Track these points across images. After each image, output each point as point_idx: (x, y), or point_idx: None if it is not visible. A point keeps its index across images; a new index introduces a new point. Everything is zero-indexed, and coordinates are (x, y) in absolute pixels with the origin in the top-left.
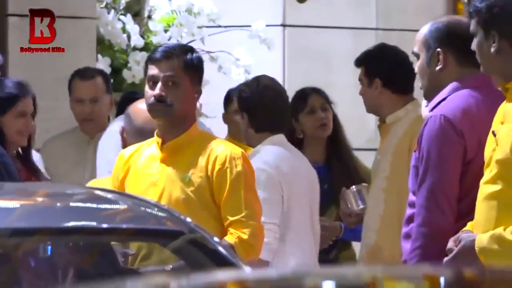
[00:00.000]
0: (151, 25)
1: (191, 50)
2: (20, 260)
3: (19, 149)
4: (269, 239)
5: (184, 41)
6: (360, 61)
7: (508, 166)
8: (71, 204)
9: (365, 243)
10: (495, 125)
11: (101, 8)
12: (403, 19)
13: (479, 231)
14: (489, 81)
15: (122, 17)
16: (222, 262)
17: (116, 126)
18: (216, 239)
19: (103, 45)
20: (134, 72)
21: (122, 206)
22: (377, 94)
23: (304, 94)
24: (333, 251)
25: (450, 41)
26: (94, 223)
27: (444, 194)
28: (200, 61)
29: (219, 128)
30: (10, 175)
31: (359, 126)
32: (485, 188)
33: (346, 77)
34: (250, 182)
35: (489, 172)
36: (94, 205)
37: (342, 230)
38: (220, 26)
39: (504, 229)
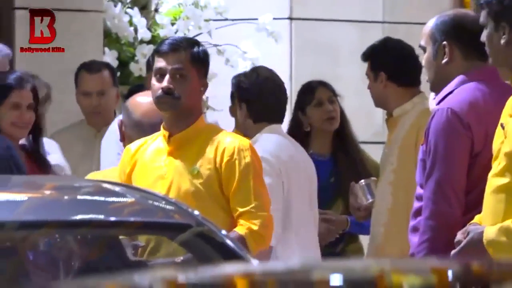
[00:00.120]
0: (158, 18)
1: (197, 43)
2: (27, 253)
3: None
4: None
5: (191, 34)
6: (366, 56)
7: None
8: (79, 197)
9: (373, 237)
10: (504, 118)
11: (108, 1)
12: (410, 12)
13: (487, 224)
14: (496, 74)
15: (129, 10)
16: (229, 255)
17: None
18: (223, 232)
19: (110, 38)
20: (141, 65)
21: (129, 199)
22: (383, 88)
23: (311, 87)
24: (340, 244)
25: (456, 34)
26: (101, 216)
27: (452, 187)
28: (206, 54)
29: (226, 121)
30: (18, 168)
31: (365, 119)
32: (493, 181)
33: (353, 70)
34: (258, 173)
35: (497, 164)
36: (102, 198)
37: (348, 224)
38: (227, 19)
39: None
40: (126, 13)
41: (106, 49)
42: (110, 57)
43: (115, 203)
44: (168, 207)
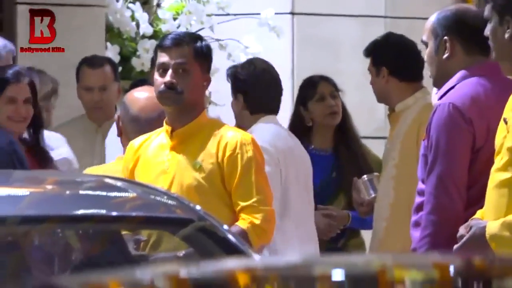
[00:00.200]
0: (160, 13)
1: (200, 38)
2: (29, 247)
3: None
4: None
5: (193, 29)
6: (368, 51)
7: None
8: (81, 192)
9: (376, 231)
10: (507, 113)
11: None
12: (412, 7)
13: (490, 218)
14: (497, 69)
15: (131, 5)
16: (231, 249)
17: None
18: (225, 226)
19: (112, 33)
20: (143, 60)
21: (131, 194)
22: (385, 83)
23: (313, 82)
24: (342, 239)
25: (458, 29)
26: (103, 211)
27: (453, 182)
28: (209, 49)
29: (229, 116)
30: (21, 163)
31: (367, 114)
32: (496, 176)
33: (355, 65)
34: (260, 168)
35: (500, 159)
36: (104, 193)
37: (350, 219)
38: (229, 14)
39: None
40: (128, 8)
41: (108, 44)
42: (112, 52)
43: (117, 198)
44: (170, 202)
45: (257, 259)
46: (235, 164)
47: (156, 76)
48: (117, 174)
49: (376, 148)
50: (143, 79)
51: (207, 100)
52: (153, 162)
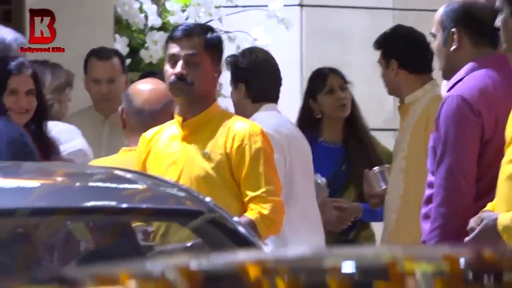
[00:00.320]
0: (169, 5)
1: (211, 29)
2: (39, 239)
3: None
4: None
5: (201, 21)
6: (379, 44)
7: None
8: (91, 184)
9: (386, 223)
10: None
11: None
12: None
13: (501, 210)
14: (506, 61)
15: None
16: (241, 241)
17: None
18: (235, 218)
19: (121, 25)
20: (152, 52)
21: (141, 186)
22: (394, 75)
23: (323, 74)
24: (353, 231)
25: (465, 21)
26: (113, 203)
27: (462, 174)
28: (220, 41)
29: None
30: (31, 155)
31: (376, 106)
32: (507, 168)
33: (364, 57)
34: (269, 158)
35: (511, 151)
36: (114, 185)
37: (361, 211)
38: (237, 6)
39: None
40: (136, 0)
41: (117, 35)
42: (121, 44)
43: (126, 190)
44: (179, 193)
45: (267, 251)
46: (243, 155)
47: (167, 67)
48: (121, 166)
49: (385, 140)
50: (152, 71)
51: (217, 92)
52: (164, 153)
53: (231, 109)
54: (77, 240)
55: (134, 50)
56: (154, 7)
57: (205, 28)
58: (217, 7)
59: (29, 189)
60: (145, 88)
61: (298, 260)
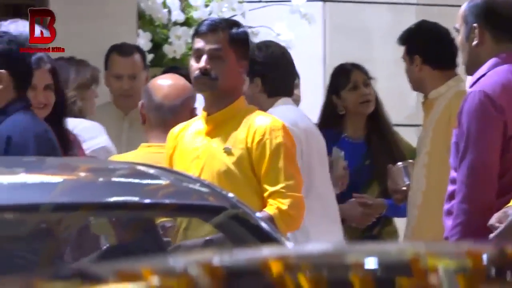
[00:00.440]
0: (192, 0)
1: (237, 24)
2: (62, 235)
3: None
4: None
5: (224, 16)
6: (403, 39)
7: None
8: (114, 179)
9: (409, 219)
10: None
11: None
12: None
13: None
14: None
15: None
16: (264, 237)
17: None
18: (258, 214)
19: (144, 20)
20: (175, 47)
21: (164, 181)
22: (418, 71)
23: (346, 70)
24: (377, 227)
25: (487, 17)
26: (136, 198)
27: (485, 170)
28: (246, 36)
29: None
30: (54, 150)
31: (399, 102)
32: None
33: (386, 52)
34: (290, 154)
35: None
36: (137, 180)
37: (386, 207)
38: (260, 1)
39: None
40: None
41: (140, 31)
42: (144, 39)
43: (150, 185)
44: (202, 189)
45: (290, 247)
46: (263, 150)
47: (192, 62)
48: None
49: (408, 136)
50: (175, 67)
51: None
52: (188, 148)
53: None
54: (100, 236)
55: (157, 45)
56: (177, 2)
57: (231, 23)
58: (240, 2)
59: (53, 184)
60: (164, 84)
61: (321, 256)
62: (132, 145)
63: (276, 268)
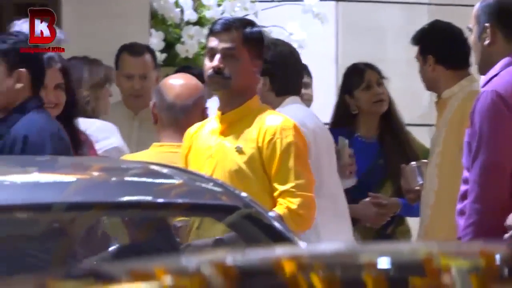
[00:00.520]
0: None
1: (251, 23)
2: (75, 234)
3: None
4: None
5: (237, 16)
6: (416, 39)
7: None
8: (127, 178)
9: (422, 218)
10: None
11: None
12: None
13: None
14: None
15: None
16: (277, 237)
17: None
18: (271, 213)
19: (157, 20)
20: (188, 46)
21: (177, 181)
22: (431, 71)
23: (359, 70)
24: (391, 226)
25: (499, 16)
26: (149, 198)
27: (497, 169)
28: (260, 35)
29: None
30: (67, 149)
31: (411, 102)
32: None
33: (399, 52)
34: (301, 153)
35: None
36: (150, 180)
37: (400, 206)
38: (273, 1)
39: None
40: None
41: (153, 30)
42: (157, 38)
43: (163, 185)
44: (215, 188)
45: (302, 247)
46: (274, 149)
47: (206, 61)
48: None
49: (420, 136)
50: (187, 66)
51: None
52: (202, 148)
53: None
54: (113, 235)
55: (170, 45)
56: (190, 1)
57: (245, 22)
58: (252, 1)
59: (66, 183)
60: (176, 83)
61: (334, 256)
62: (142, 145)
63: (289, 267)
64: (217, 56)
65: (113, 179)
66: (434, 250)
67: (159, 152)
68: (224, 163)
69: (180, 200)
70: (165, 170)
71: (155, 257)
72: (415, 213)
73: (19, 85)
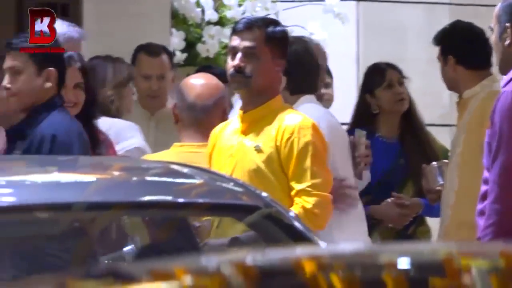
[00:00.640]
0: None
1: (275, 22)
2: (95, 234)
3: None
4: None
5: (258, 15)
6: (438, 40)
7: None
8: (147, 178)
9: (443, 219)
10: None
11: None
12: None
13: None
14: None
15: None
16: (297, 237)
17: None
18: (292, 213)
19: (177, 19)
20: (208, 46)
21: (198, 181)
22: (452, 71)
23: (381, 69)
24: (412, 226)
25: None
26: (170, 198)
27: None
28: (283, 34)
29: None
30: (87, 149)
31: (432, 101)
32: None
33: (420, 52)
34: (319, 153)
35: None
36: (170, 180)
37: (422, 206)
38: (294, 1)
39: None
40: None
41: (173, 30)
42: (177, 38)
43: (183, 184)
44: (236, 188)
45: (323, 247)
46: (292, 148)
47: (228, 59)
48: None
49: (441, 135)
50: (208, 65)
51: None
52: (225, 147)
53: None
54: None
55: (190, 44)
56: (211, 1)
57: (268, 21)
58: (273, 1)
59: (86, 183)
60: (197, 83)
61: (354, 255)
62: (159, 145)
63: (309, 267)
64: (239, 55)
65: (134, 178)
66: (454, 250)
67: (180, 152)
68: (244, 162)
69: (200, 200)
70: (185, 170)
71: (175, 257)
72: (435, 213)
73: (48, 84)
